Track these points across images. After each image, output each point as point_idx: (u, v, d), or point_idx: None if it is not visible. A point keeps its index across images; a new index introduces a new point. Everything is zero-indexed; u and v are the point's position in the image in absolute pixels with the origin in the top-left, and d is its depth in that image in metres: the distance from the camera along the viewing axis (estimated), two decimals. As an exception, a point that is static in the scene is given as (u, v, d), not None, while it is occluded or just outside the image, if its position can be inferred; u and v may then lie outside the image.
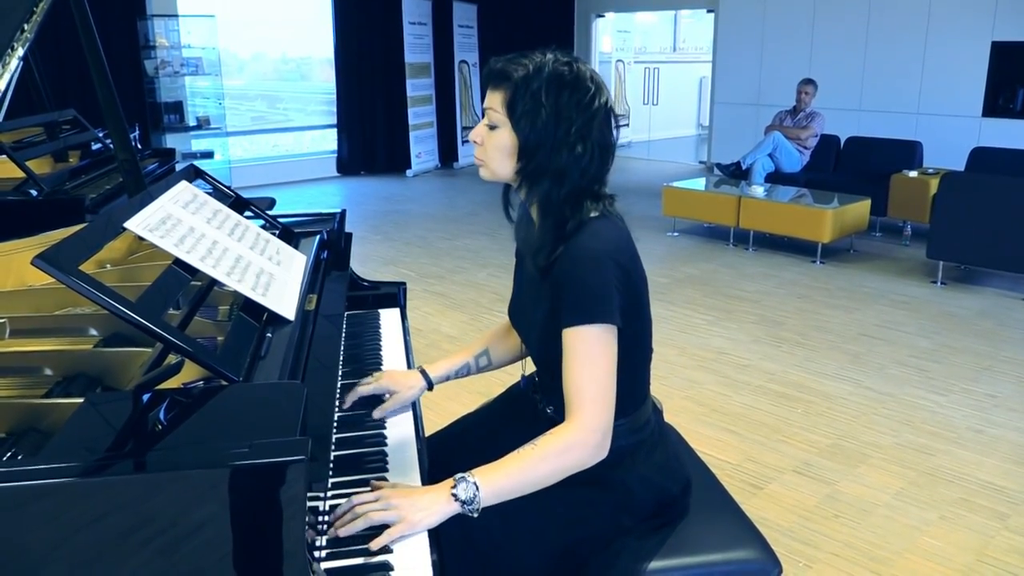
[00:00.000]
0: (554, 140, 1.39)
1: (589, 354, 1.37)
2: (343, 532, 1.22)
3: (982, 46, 7.65)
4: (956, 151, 7.09)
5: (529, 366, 1.70)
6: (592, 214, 1.43)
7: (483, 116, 1.46)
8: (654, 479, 1.55)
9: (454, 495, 1.29)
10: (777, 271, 5.82)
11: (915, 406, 3.60)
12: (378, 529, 1.24)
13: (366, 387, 1.66)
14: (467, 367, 1.80)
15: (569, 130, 1.39)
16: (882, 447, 3.23)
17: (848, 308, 4.99)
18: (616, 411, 1.44)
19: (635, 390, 1.55)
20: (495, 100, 1.42)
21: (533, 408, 1.64)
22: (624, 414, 1.51)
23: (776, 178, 7.22)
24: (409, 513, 1.25)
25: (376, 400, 1.67)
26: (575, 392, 1.38)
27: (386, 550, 1.21)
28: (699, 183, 7.23)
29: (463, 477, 1.31)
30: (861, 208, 6.20)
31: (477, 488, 1.30)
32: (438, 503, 1.29)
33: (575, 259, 1.39)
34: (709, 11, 10.17)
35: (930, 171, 6.66)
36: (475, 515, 1.30)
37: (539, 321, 1.48)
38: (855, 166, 7.20)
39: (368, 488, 1.34)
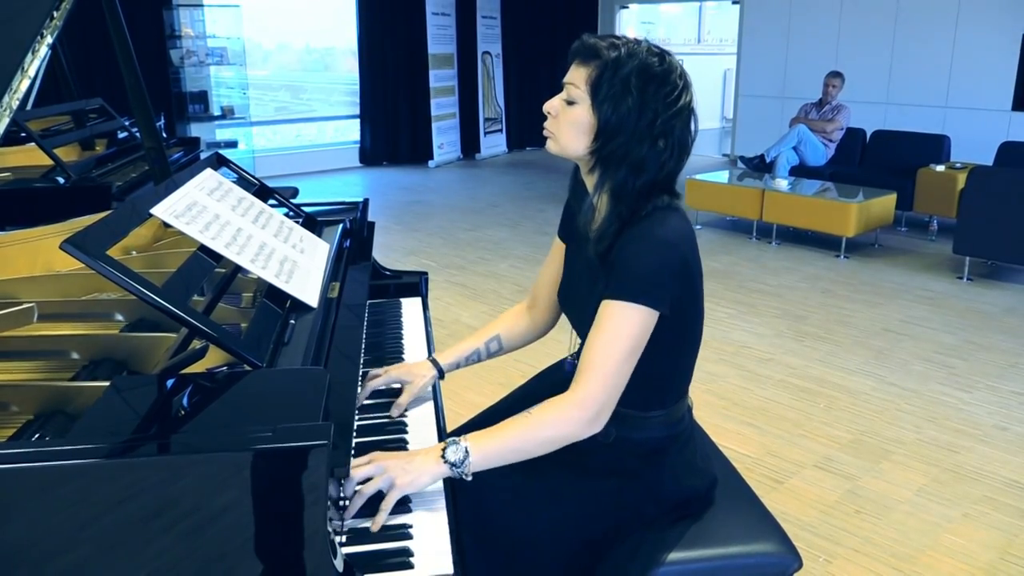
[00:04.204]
0: (635, 129, 1.36)
1: (617, 331, 1.36)
2: (347, 515, 1.23)
3: (1013, 39, 7.52)
4: (984, 145, 6.98)
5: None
6: (660, 204, 1.41)
7: (562, 89, 1.43)
8: (682, 475, 1.54)
9: (444, 457, 1.31)
10: (800, 265, 5.77)
11: (939, 402, 3.57)
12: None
13: (377, 380, 1.64)
14: (477, 353, 1.78)
15: (653, 122, 1.36)
16: (905, 443, 3.20)
17: (872, 303, 4.94)
18: (654, 402, 1.43)
19: (676, 383, 1.54)
20: (579, 76, 1.40)
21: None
22: (662, 406, 1.50)
23: (801, 171, 7.15)
24: (399, 477, 1.27)
25: (393, 392, 1.66)
26: (588, 363, 1.37)
27: (405, 536, 1.21)
28: (722, 176, 7.18)
29: (454, 440, 1.33)
30: (887, 202, 6.12)
31: (467, 452, 1.31)
32: (427, 464, 1.30)
33: (639, 240, 1.37)
34: (734, 2, 10.08)
35: (957, 165, 6.57)
36: (467, 478, 1.31)
37: (594, 306, 1.44)
38: (881, 160, 7.11)
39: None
